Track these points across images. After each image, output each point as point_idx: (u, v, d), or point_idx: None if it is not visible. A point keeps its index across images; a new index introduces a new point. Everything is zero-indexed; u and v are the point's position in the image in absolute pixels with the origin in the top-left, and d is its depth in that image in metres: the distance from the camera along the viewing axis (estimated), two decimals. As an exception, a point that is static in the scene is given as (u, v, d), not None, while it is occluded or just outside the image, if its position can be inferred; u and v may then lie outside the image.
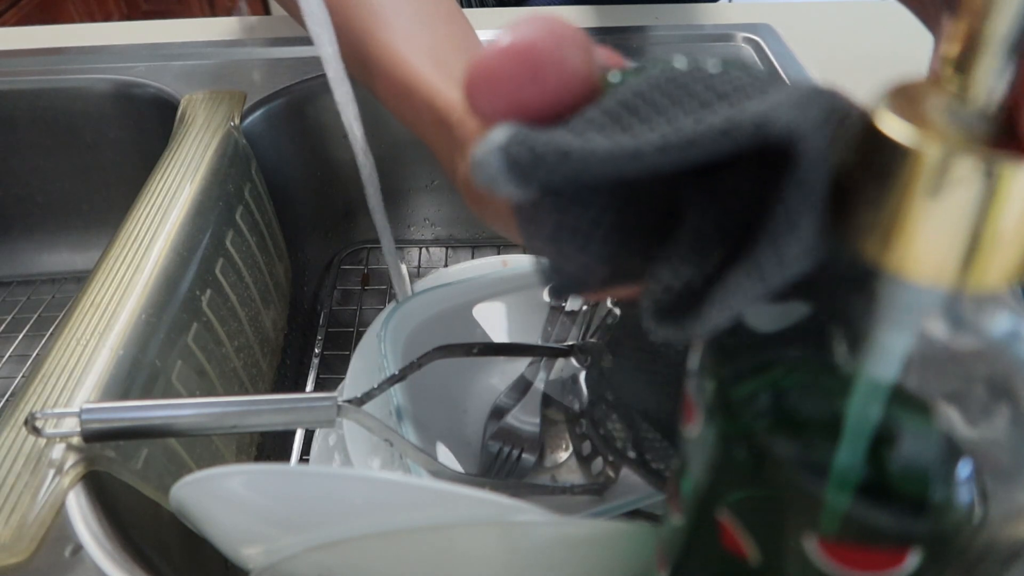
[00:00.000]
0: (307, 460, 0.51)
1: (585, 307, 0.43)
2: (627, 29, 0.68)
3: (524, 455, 0.42)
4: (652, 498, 0.35)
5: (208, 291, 0.45)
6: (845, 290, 0.15)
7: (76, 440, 0.32)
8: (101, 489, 0.33)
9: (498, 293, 0.45)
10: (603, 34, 0.68)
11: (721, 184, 0.15)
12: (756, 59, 0.64)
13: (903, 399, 0.14)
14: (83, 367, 0.36)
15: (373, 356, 0.39)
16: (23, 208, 0.68)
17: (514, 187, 0.15)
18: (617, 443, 0.35)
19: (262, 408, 0.32)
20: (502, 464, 0.41)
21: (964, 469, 0.14)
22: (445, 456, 0.41)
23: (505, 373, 0.46)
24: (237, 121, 0.56)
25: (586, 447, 0.41)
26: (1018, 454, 0.14)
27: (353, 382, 0.40)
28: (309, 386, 0.57)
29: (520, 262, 0.48)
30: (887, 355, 0.14)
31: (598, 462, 0.39)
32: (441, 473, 0.34)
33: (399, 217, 0.69)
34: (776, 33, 0.67)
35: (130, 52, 0.65)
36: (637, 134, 0.15)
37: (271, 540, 0.27)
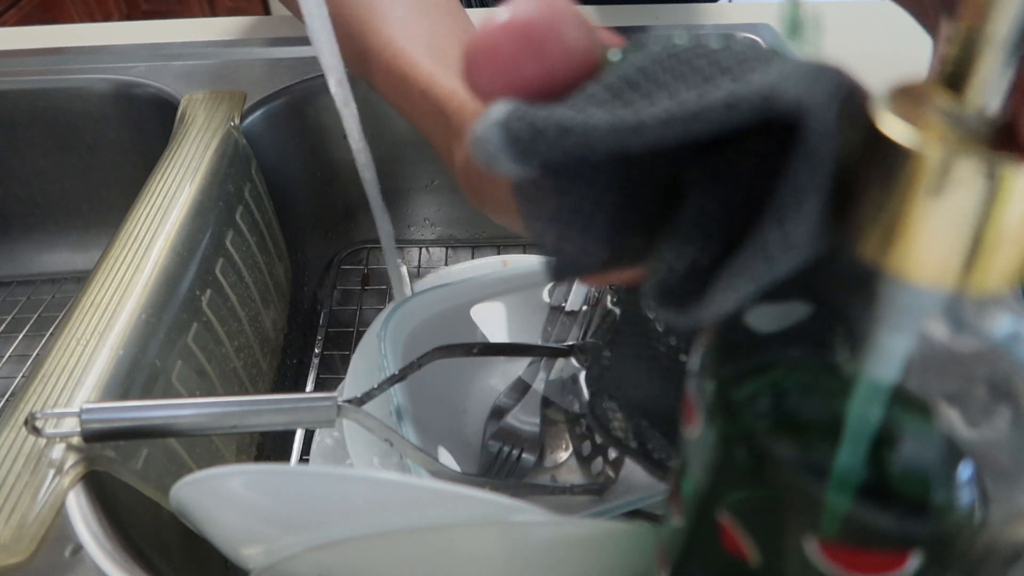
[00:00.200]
0: (307, 460, 0.51)
1: (585, 307, 0.43)
2: (627, 29, 0.68)
3: (524, 455, 0.42)
4: (652, 498, 0.35)
5: (208, 291, 0.45)
6: (846, 291, 0.15)
7: (76, 440, 0.32)
8: (101, 489, 0.33)
9: (498, 293, 0.45)
10: (603, 34, 0.68)
11: (724, 163, 0.15)
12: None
13: (904, 400, 0.14)
14: (83, 367, 0.36)
15: (373, 356, 0.39)
16: (23, 208, 0.67)
17: (514, 164, 0.15)
18: (618, 433, 0.35)
19: (262, 408, 0.32)
20: (502, 464, 0.41)
21: (965, 471, 0.14)
22: (445, 456, 0.41)
23: (505, 373, 0.46)
24: (237, 121, 0.56)
25: (586, 447, 0.41)
26: (1019, 456, 0.14)
27: (353, 382, 0.40)
28: (309, 386, 0.57)
29: (520, 262, 0.47)
30: (888, 356, 0.14)
31: (598, 462, 0.39)
32: (441, 473, 0.34)
33: (399, 217, 0.69)
34: (776, 33, 0.67)
35: (130, 52, 0.65)
36: (639, 109, 0.14)
37: (271, 540, 0.27)
